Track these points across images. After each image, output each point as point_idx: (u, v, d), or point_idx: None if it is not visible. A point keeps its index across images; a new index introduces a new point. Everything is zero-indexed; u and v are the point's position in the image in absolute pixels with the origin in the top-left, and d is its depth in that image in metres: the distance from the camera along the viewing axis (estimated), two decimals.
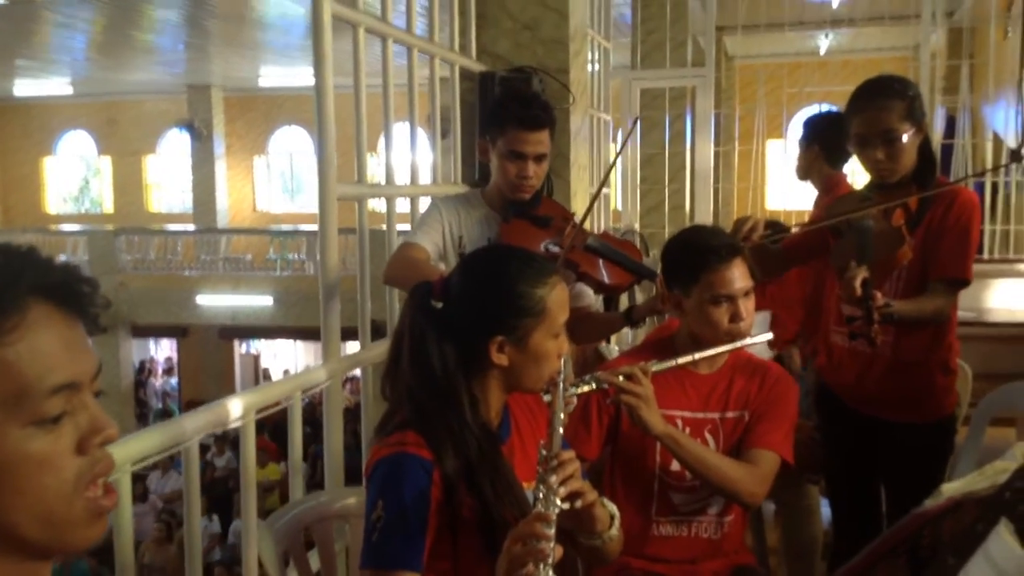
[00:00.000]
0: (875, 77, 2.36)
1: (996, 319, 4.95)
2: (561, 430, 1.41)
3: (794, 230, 2.68)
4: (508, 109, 2.48)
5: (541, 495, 1.28)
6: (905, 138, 2.24)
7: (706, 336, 2.00)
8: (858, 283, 2.10)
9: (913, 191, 2.29)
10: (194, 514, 1.94)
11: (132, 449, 1.75)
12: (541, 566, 1.14)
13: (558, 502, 1.28)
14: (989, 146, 7.47)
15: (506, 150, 2.44)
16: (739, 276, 1.98)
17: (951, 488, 1.34)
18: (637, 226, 6.53)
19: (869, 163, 2.32)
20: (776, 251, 2.57)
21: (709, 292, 1.98)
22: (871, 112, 2.26)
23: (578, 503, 1.39)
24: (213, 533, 8.68)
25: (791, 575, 2.92)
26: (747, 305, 1.99)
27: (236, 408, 2.05)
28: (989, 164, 6.91)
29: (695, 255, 2.02)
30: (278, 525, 1.70)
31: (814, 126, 3.57)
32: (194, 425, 1.90)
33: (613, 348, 4.27)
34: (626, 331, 4.42)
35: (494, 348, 1.48)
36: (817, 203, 3.49)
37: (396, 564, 1.38)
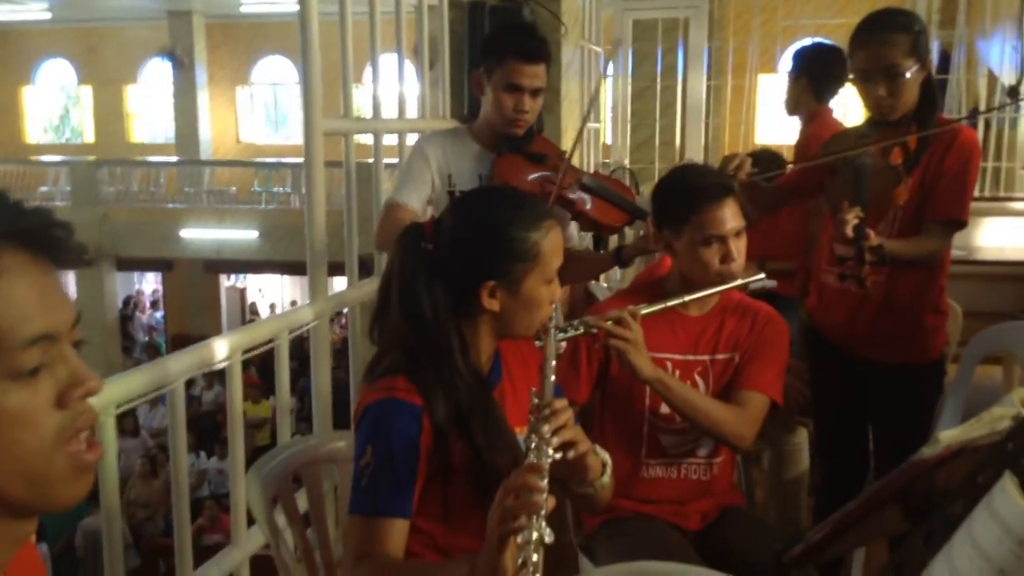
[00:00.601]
0: (880, 10, 2.28)
1: (985, 257, 4.94)
2: (552, 377, 1.38)
3: (789, 167, 2.63)
4: (507, 40, 2.41)
5: (533, 445, 1.26)
6: (908, 74, 2.18)
7: (697, 277, 1.98)
8: (850, 223, 2.07)
9: (913, 130, 2.24)
10: (180, 455, 1.92)
11: (116, 391, 1.73)
12: (534, 518, 1.13)
13: (550, 452, 1.26)
14: (983, 82, 7.38)
15: (503, 82, 2.37)
16: (730, 216, 1.95)
17: (948, 436, 1.32)
18: (627, 162, 6.47)
19: (870, 99, 2.25)
20: (770, 189, 2.52)
21: (700, 233, 1.94)
22: (874, 46, 2.19)
23: (571, 453, 1.37)
24: (201, 469, 8.69)
25: (778, 512, 2.95)
26: (738, 245, 1.96)
27: (222, 349, 2.02)
28: (983, 101, 6.84)
29: (686, 195, 1.98)
30: (265, 471, 1.68)
31: (803, 58, 3.55)
32: (179, 366, 1.87)
33: (603, 287, 4.25)
34: (615, 270, 4.39)
35: (485, 293, 1.45)
36: (801, 133, 3.49)
37: (385, 511, 1.36)
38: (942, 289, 2.39)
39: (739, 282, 1.97)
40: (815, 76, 3.41)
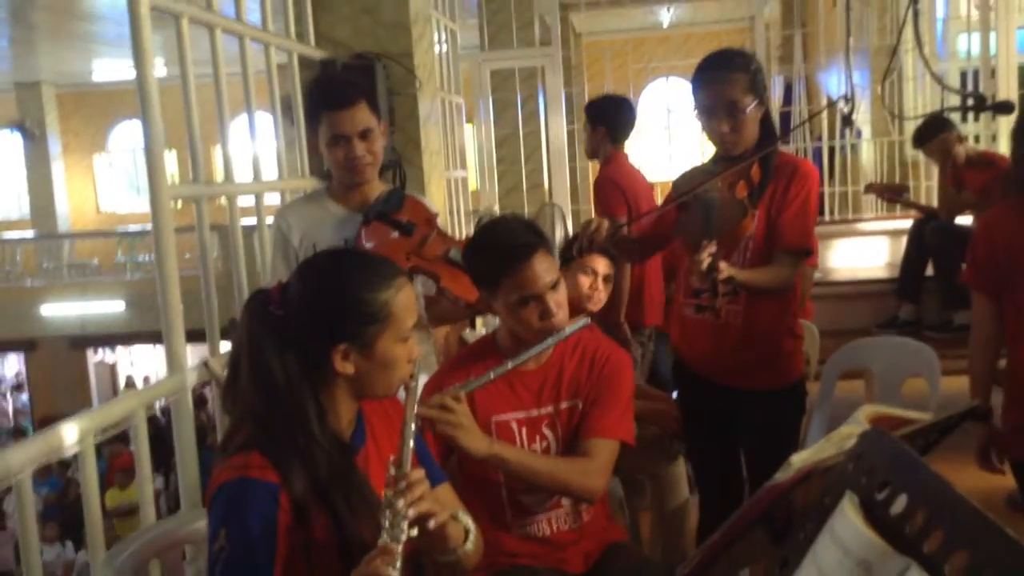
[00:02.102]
0: (719, 51, 2.39)
1: (839, 278, 5.19)
2: (412, 443, 1.35)
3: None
4: (315, 97, 2.40)
5: (387, 522, 1.22)
6: (748, 110, 2.28)
7: (521, 335, 1.95)
8: (704, 259, 2.12)
9: (754, 163, 2.34)
10: (32, 555, 1.79)
11: None
12: None
13: (405, 528, 1.22)
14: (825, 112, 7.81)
15: (328, 137, 2.35)
16: (543, 271, 1.92)
17: (800, 458, 1.35)
18: (496, 207, 6.53)
19: (714, 135, 2.35)
20: (632, 239, 2.60)
21: (514, 294, 1.91)
22: (716, 85, 2.29)
23: (430, 524, 1.33)
24: (68, 561, 8.01)
25: (663, 543, 2.97)
26: (556, 298, 1.94)
27: (71, 434, 1.89)
28: (825, 129, 7.24)
29: (492, 258, 1.95)
30: (120, 559, 1.58)
31: (597, 110, 4.08)
32: (21, 458, 1.74)
33: (480, 332, 4.24)
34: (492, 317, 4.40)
35: (338, 357, 1.41)
36: (598, 175, 4.04)
37: None
38: (795, 314, 2.49)
39: (565, 332, 1.94)
40: (610, 124, 3.95)
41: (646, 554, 2.67)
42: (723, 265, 2.16)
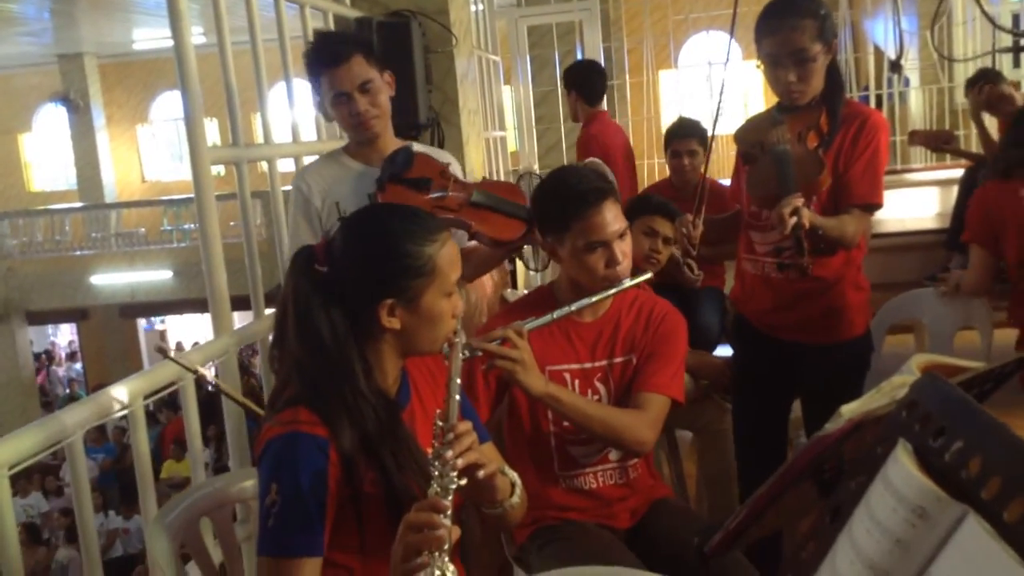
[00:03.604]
0: None
1: (887, 230, 5.08)
2: (458, 396, 1.35)
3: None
4: (311, 58, 2.34)
5: (437, 472, 1.23)
6: (817, 59, 2.18)
7: (584, 282, 1.95)
8: (788, 212, 2.04)
9: (822, 112, 2.24)
10: (87, 514, 1.83)
11: (7, 452, 1.64)
12: (436, 555, 1.11)
13: (454, 477, 1.23)
14: (871, 59, 7.63)
15: (331, 96, 2.31)
16: (611, 219, 1.92)
17: (850, 409, 1.32)
18: (536, 167, 6.49)
19: (779, 85, 2.24)
20: (727, 217, 2.56)
21: (582, 239, 1.91)
22: (783, 33, 2.17)
23: (479, 473, 1.33)
24: (111, 529, 8.08)
25: (710, 500, 2.96)
26: (622, 247, 1.94)
27: (121, 395, 1.93)
28: (872, 78, 7.06)
29: (562, 202, 1.94)
30: (171, 518, 1.60)
31: (568, 76, 4.61)
32: (75, 419, 1.78)
33: (522, 293, 4.23)
34: (536, 276, 4.39)
35: (384, 312, 1.41)
36: (582, 133, 4.50)
37: (295, 551, 1.31)
38: (860, 267, 2.41)
39: (627, 284, 1.94)
40: (582, 87, 4.45)
41: (692, 510, 2.66)
42: (806, 212, 2.07)
